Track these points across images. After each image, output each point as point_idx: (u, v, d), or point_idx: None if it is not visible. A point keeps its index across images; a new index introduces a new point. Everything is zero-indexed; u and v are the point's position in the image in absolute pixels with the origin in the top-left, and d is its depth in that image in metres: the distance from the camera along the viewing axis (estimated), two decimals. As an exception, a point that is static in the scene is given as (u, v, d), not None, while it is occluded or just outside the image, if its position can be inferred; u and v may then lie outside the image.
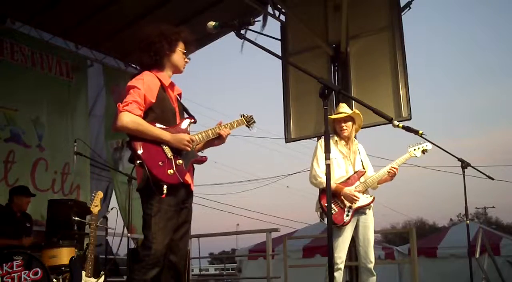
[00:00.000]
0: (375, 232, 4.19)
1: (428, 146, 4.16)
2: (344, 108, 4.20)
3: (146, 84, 2.80)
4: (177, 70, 3.02)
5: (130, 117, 2.69)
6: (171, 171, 2.72)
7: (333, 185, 3.90)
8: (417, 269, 6.08)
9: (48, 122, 7.67)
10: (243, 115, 3.19)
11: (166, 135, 2.78)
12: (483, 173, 4.64)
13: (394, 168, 4.05)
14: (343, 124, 4.11)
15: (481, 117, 76.20)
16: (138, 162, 2.68)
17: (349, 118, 4.14)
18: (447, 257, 10.83)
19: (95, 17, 7.67)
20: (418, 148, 4.16)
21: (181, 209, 2.84)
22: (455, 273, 9.59)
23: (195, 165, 2.98)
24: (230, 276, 17.58)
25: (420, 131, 3.29)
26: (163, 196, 2.66)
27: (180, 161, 2.79)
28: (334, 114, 4.21)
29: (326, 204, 3.90)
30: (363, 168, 4.15)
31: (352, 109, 4.27)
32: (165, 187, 2.66)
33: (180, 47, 2.99)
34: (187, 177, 2.84)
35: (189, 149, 2.84)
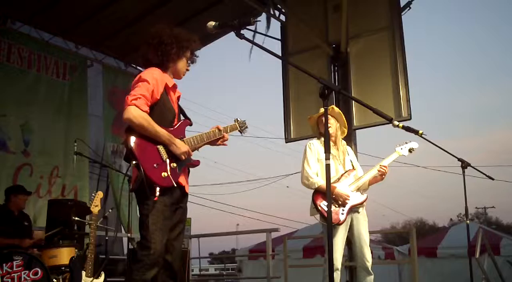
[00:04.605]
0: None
1: (415, 145, 4.16)
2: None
3: (155, 80, 2.80)
4: (177, 76, 3.03)
5: (137, 112, 2.69)
6: (165, 174, 2.72)
7: (324, 184, 3.90)
8: (417, 269, 6.08)
9: (39, 126, 7.57)
10: (237, 120, 3.26)
11: (167, 138, 2.77)
12: (483, 173, 4.63)
13: (384, 166, 4.04)
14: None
15: (481, 117, 76.32)
16: (133, 162, 2.69)
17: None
18: (447, 257, 10.84)
19: (95, 17, 7.69)
20: (405, 147, 4.16)
21: (176, 209, 2.85)
22: (455, 273, 9.60)
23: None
24: (230, 276, 17.58)
25: (420, 131, 3.28)
26: (156, 198, 2.66)
27: (174, 164, 2.79)
28: (314, 115, 4.18)
29: (321, 203, 3.93)
30: (353, 168, 4.14)
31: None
32: (158, 189, 2.67)
33: (187, 55, 2.99)
34: (182, 179, 2.84)
35: (184, 158, 2.84)
